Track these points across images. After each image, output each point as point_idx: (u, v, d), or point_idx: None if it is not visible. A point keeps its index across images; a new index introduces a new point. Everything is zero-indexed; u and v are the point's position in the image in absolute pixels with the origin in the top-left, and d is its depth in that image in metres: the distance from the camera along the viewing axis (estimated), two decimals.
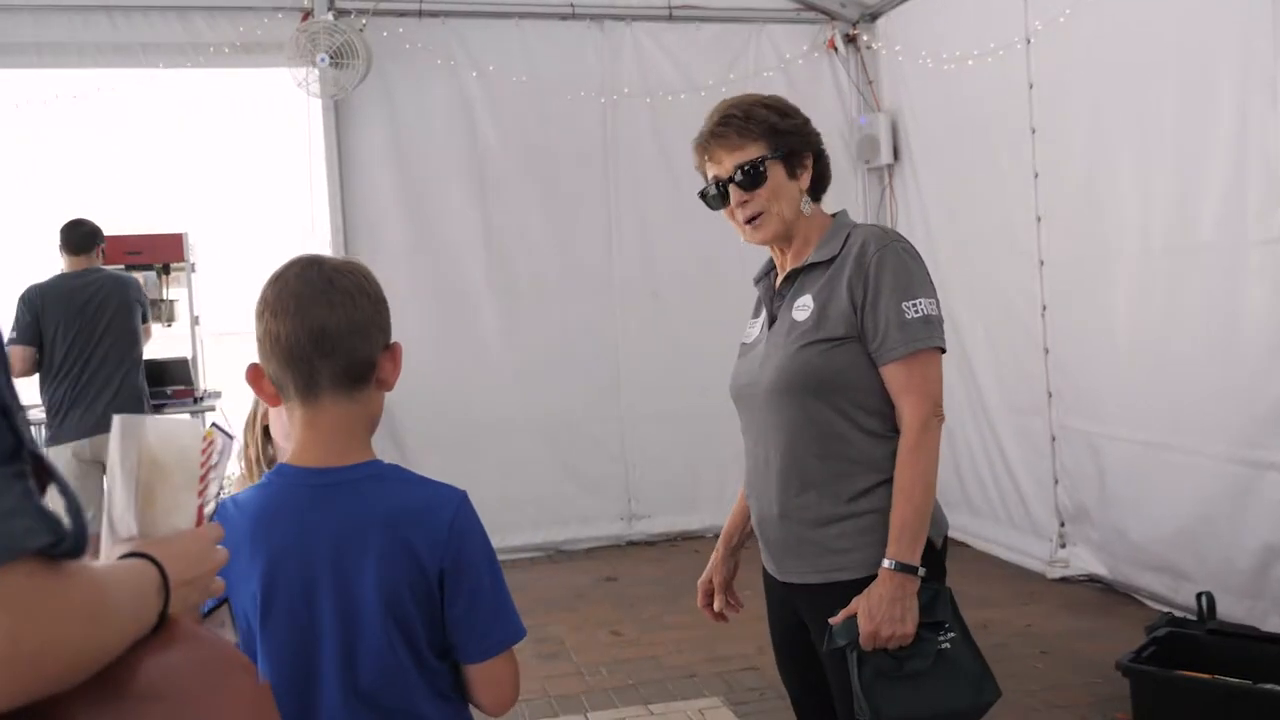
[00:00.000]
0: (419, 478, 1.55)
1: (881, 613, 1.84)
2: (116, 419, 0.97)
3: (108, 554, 0.95)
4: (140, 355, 5.05)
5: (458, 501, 1.49)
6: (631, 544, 6.33)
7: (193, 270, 5.78)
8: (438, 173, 6.11)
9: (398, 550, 1.43)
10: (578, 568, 5.98)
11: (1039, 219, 5.13)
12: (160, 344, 5.26)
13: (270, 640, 1.45)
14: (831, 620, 1.91)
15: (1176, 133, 4.29)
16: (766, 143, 2.04)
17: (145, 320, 5.11)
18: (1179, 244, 4.33)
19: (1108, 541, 4.88)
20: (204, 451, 1.02)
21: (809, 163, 2.08)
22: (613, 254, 6.33)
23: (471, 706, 1.56)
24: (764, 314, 2.16)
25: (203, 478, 1.02)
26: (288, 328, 1.44)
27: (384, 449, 5.97)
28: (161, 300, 5.62)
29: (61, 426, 4.83)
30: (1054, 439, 5.20)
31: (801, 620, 2.07)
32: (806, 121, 2.13)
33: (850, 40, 6.56)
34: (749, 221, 2.07)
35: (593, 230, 6.30)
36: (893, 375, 1.94)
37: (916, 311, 1.92)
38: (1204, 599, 3.55)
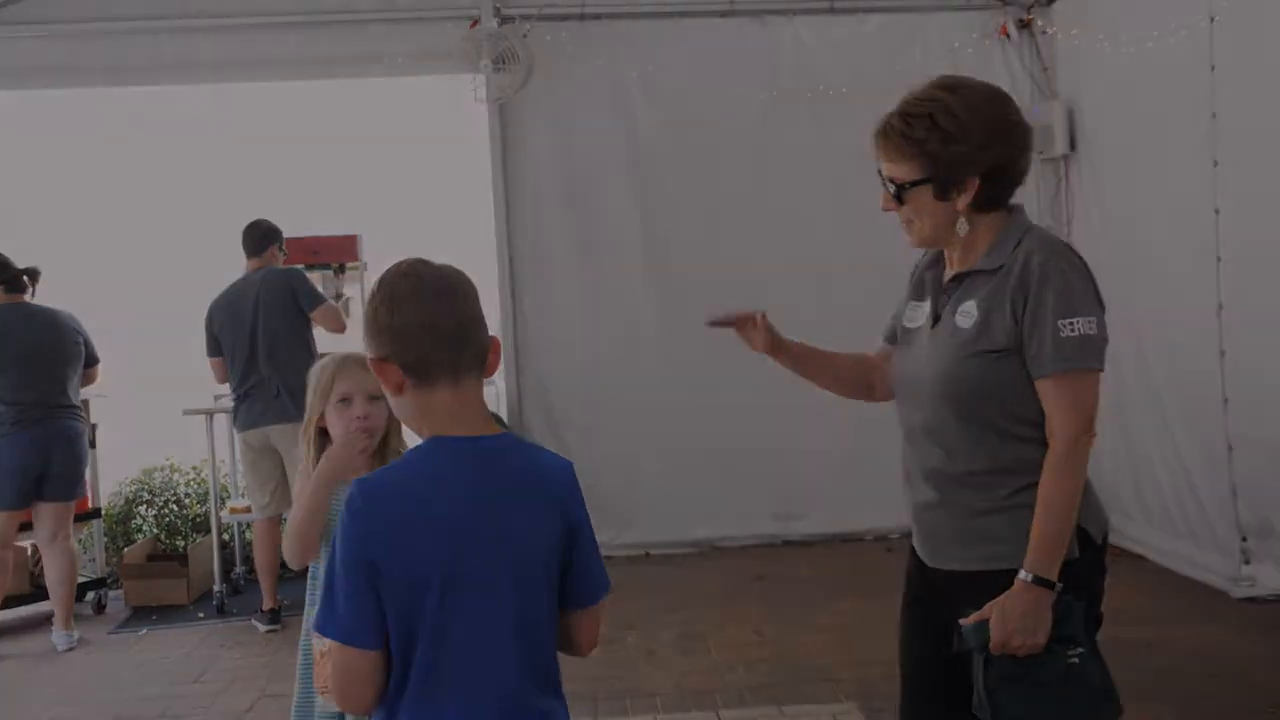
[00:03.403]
0: (539, 445, 1.79)
1: (1015, 623, 1.89)
2: None
3: None
4: (305, 346, 5.15)
5: (570, 465, 1.71)
6: (787, 543, 6.28)
7: (365, 269, 6.07)
8: (598, 171, 6.23)
9: (551, 507, 1.63)
10: (730, 565, 5.99)
11: (1217, 211, 4.77)
12: (332, 339, 5.45)
13: (456, 595, 1.54)
14: (962, 621, 1.95)
15: None
16: (918, 165, 2.00)
17: (312, 308, 5.16)
18: None
19: None
20: None
21: (972, 184, 1.99)
22: (770, 250, 6.27)
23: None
24: (928, 305, 2.14)
25: None
26: (441, 314, 1.59)
27: (543, 441, 6.18)
28: (338, 296, 5.92)
29: (235, 418, 5.28)
30: (1230, 448, 4.83)
31: (941, 603, 2.08)
32: (985, 144, 1.97)
33: (1024, 25, 6.28)
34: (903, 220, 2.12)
35: (750, 227, 6.25)
36: (1045, 390, 1.96)
37: (1073, 330, 1.91)
38: None
